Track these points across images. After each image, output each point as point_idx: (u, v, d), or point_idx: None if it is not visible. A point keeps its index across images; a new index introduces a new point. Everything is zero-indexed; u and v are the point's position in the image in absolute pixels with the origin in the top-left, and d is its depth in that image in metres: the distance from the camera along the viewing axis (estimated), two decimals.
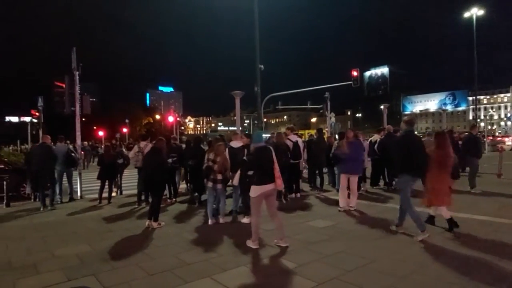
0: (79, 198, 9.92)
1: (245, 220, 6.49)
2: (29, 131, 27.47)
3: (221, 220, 6.60)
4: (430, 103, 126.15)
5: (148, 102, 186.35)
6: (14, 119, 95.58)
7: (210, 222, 6.54)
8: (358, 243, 5.08)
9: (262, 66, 15.44)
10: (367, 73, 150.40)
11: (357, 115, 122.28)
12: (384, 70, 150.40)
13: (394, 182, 9.92)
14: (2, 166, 11.17)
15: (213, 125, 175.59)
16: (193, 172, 8.40)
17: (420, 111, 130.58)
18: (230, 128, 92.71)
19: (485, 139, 27.60)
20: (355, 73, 21.21)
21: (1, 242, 5.62)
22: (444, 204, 5.56)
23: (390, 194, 9.13)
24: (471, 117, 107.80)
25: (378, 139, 9.99)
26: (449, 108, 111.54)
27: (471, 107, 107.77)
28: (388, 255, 4.56)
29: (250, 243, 5.05)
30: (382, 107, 16.25)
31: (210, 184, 6.61)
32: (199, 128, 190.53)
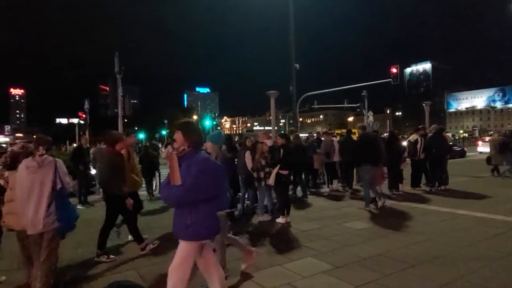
0: None
1: (280, 219, 6.49)
2: (77, 132, 29.24)
3: (259, 218, 6.68)
4: (477, 100, 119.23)
5: (185, 103, 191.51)
6: (64, 121, 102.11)
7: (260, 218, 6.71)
8: (397, 246, 4.91)
9: (297, 65, 15.31)
10: (408, 70, 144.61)
11: (397, 113, 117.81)
12: (426, 66, 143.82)
13: (437, 183, 9.52)
14: None
15: (248, 125, 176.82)
16: None
17: (466, 108, 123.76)
18: (266, 128, 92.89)
19: None
20: (394, 70, 20.52)
21: None
22: (378, 184, 7.68)
23: (431, 196, 8.72)
24: None
25: (419, 138, 9.62)
26: (499, 105, 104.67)
27: None
28: (430, 259, 4.37)
29: (246, 267, 4.11)
30: (424, 105, 15.56)
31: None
32: (235, 128, 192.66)
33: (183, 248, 2.89)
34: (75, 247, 5.37)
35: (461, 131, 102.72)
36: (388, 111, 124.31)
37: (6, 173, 3.88)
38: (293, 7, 14.53)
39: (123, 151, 5.07)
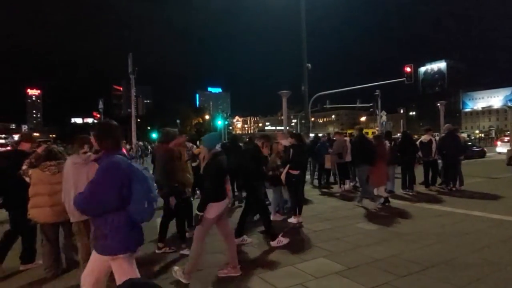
0: None
1: (292, 219, 6.48)
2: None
3: (271, 217, 6.70)
4: (493, 99, 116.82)
5: (197, 103, 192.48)
6: (79, 120, 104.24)
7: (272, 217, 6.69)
8: (411, 248, 4.85)
9: (309, 65, 15.23)
10: (422, 69, 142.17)
11: (411, 113, 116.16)
12: (441, 65, 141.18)
13: (452, 183, 9.43)
14: None
15: (260, 124, 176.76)
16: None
17: (482, 108, 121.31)
18: (277, 128, 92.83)
19: None
20: (408, 69, 20.23)
21: None
22: (382, 184, 7.77)
23: (446, 197, 8.57)
24: None
25: (432, 139, 9.62)
26: None
27: None
28: (444, 262, 4.30)
29: (181, 275, 3.90)
30: (439, 104, 15.32)
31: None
32: (246, 128, 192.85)
33: (95, 258, 2.69)
34: None
35: (477, 131, 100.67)
36: (401, 111, 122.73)
37: (30, 171, 4.15)
38: (304, 6, 14.46)
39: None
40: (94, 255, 2.67)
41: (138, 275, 2.69)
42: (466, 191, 9.18)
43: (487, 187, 9.83)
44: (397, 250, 4.75)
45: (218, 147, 4.10)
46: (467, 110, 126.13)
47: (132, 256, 2.66)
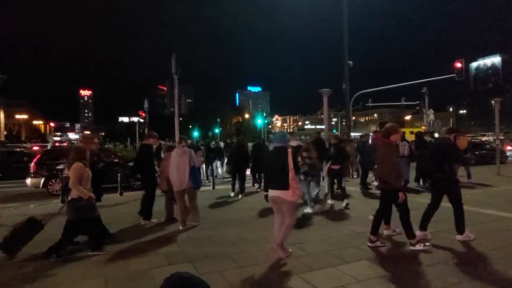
0: None
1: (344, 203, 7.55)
2: (137, 129, 31.12)
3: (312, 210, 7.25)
4: None
5: (237, 102, 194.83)
6: (125, 119, 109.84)
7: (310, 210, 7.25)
8: (462, 254, 4.57)
9: (351, 62, 14.83)
10: (474, 64, 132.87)
11: (461, 111, 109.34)
12: (495, 59, 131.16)
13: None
14: (117, 160, 12.83)
15: (299, 123, 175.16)
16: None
17: None
18: (317, 127, 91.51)
19: None
20: (459, 65, 19.04)
21: (115, 226, 6.43)
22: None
23: (489, 198, 7.95)
24: None
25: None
26: None
27: None
28: (500, 270, 3.99)
29: (279, 253, 4.50)
30: (493, 102, 14.27)
31: (306, 177, 7.34)
32: (286, 127, 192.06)
33: None
34: (136, 237, 5.70)
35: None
36: (451, 109, 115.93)
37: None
38: (346, 2, 14.10)
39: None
40: None
41: None
42: None
43: None
44: (448, 256, 4.49)
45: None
46: None
47: None
